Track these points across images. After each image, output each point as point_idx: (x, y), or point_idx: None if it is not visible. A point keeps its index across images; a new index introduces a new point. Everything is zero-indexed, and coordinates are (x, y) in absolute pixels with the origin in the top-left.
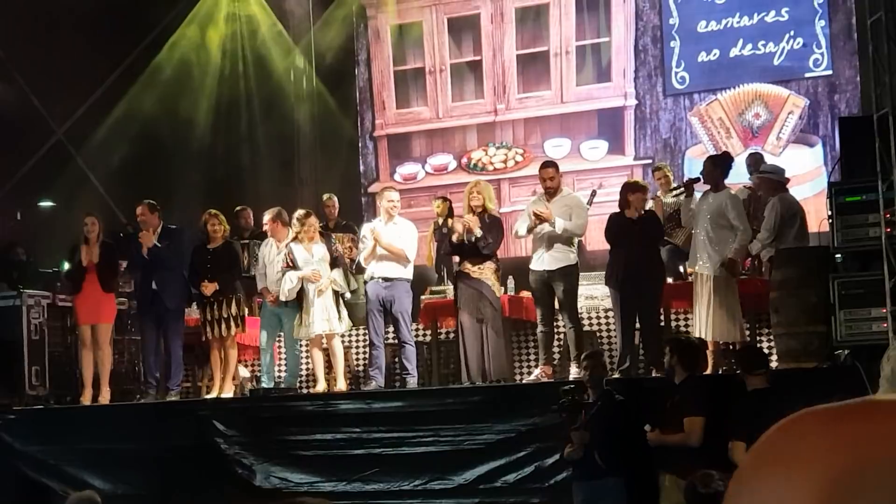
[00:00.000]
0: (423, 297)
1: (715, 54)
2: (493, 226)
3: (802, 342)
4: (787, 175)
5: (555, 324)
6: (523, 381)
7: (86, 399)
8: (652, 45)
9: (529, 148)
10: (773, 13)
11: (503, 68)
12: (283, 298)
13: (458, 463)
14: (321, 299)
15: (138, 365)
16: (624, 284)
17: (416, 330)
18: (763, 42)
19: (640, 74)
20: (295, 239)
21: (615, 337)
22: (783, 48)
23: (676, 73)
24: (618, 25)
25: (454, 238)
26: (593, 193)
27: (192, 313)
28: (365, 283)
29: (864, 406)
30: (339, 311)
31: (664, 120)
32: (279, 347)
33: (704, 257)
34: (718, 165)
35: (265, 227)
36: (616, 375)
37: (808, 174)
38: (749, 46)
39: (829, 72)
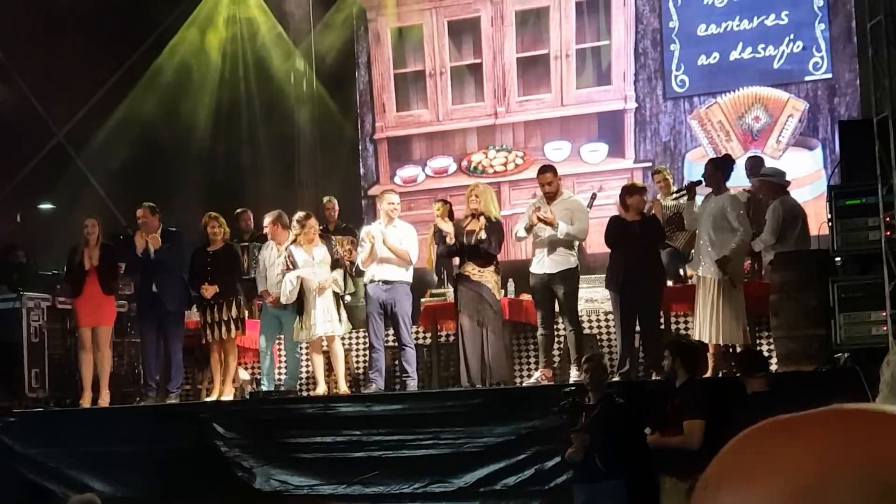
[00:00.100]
0: (423, 299)
1: (715, 57)
2: (494, 229)
3: (802, 345)
4: (787, 178)
5: (555, 327)
6: (523, 384)
7: (85, 402)
8: (652, 48)
9: (529, 151)
10: (772, 16)
11: (503, 71)
12: (283, 301)
13: (459, 466)
14: (322, 301)
15: (138, 367)
16: (624, 287)
17: (417, 333)
18: (763, 45)
19: (640, 77)
20: (295, 241)
21: (615, 340)
22: (783, 51)
23: (676, 77)
24: (618, 28)
25: (448, 241)
26: (593, 196)
27: (192, 316)
28: (365, 286)
29: (830, 415)
30: (339, 314)
31: (664, 123)
32: (279, 350)
33: (707, 261)
34: (720, 168)
35: (265, 230)
36: (616, 378)
37: (807, 177)
38: (749, 50)
39: (829, 75)
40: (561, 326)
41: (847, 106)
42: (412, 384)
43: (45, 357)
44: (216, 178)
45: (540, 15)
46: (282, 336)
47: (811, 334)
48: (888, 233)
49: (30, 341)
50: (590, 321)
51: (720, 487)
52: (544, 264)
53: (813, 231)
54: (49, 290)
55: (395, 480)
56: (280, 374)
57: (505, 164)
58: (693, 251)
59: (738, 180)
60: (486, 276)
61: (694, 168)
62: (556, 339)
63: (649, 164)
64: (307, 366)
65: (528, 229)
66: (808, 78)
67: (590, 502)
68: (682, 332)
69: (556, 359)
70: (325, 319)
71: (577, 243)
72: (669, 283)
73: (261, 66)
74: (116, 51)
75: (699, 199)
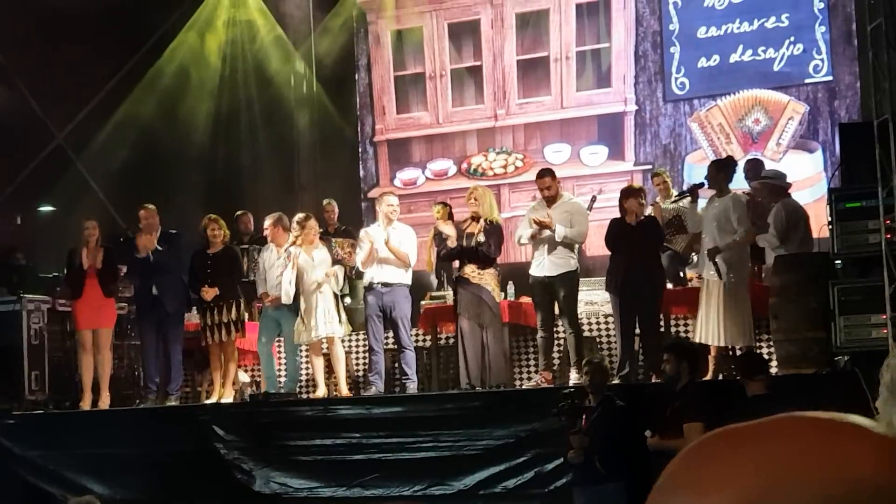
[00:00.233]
0: (422, 302)
1: (715, 60)
2: (493, 232)
3: (802, 348)
4: (787, 180)
5: (554, 329)
6: (523, 387)
7: (85, 404)
8: (652, 50)
9: (529, 153)
10: (773, 19)
11: (503, 74)
12: (284, 300)
13: (458, 468)
14: (322, 302)
15: (138, 370)
16: (624, 290)
17: (416, 335)
18: (763, 48)
19: (640, 80)
20: (295, 243)
21: (615, 342)
22: (783, 54)
23: (676, 79)
24: (618, 31)
25: (449, 243)
26: (593, 199)
27: (192, 318)
28: (365, 289)
29: (781, 424)
30: (339, 315)
31: (664, 125)
32: (279, 352)
33: (712, 263)
34: (722, 170)
35: (265, 233)
36: (616, 381)
37: (807, 180)
38: (749, 52)
39: (829, 78)
40: (561, 329)
41: (847, 108)
42: (412, 387)
43: (44, 359)
44: (216, 180)
45: (540, 17)
46: (281, 338)
47: (811, 337)
48: (888, 236)
49: (30, 344)
50: (589, 324)
51: (671, 496)
52: (544, 267)
53: (813, 234)
54: (49, 292)
55: (395, 483)
56: (280, 376)
57: (505, 167)
58: (693, 254)
59: (737, 183)
60: (486, 279)
61: (694, 171)
62: (556, 342)
63: (649, 166)
64: (307, 368)
65: (533, 237)
66: (808, 80)
67: None
68: (682, 334)
69: (556, 361)
70: (326, 321)
71: (577, 246)
72: (669, 285)
73: (260, 69)
74: (116, 53)
75: (702, 203)
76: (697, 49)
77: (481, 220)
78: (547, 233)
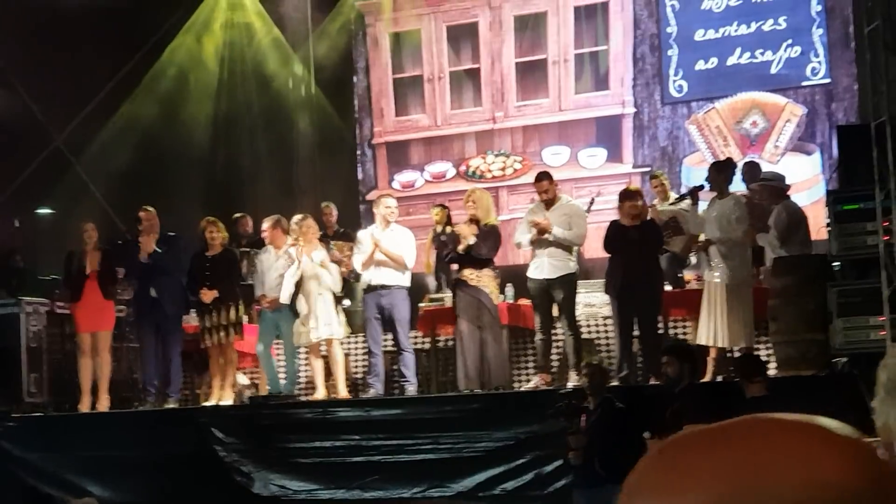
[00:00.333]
0: (421, 304)
1: (713, 62)
2: (490, 234)
3: (800, 350)
4: (786, 182)
5: (553, 332)
6: (522, 389)
7: (84, 406)
8: (650, 53)
9: (528, 156)
10: (770, 22)
11: (502, 76)
12: (283, 299)
13: (458, 470)
14: (321, 304)
15: (137, 372)
16: (622, 292)
17: (415, 337)
18: (761, 50)
19: (639, 82)
20: (294, 244)
21: (614, 344)
22: (781, 56)
23: (674, 82)
24: (616, 34)
25: (460, 249)
26: (592, 201)
27: (191, 320)
28: (363, 291)
29: (747, 426)
30: (338, 317)
31: (662, 128)
32: (278, 354)
33: (717, 266)
34: (722, 171)
35: (264, 235)
36: (615, 383)
37: (805, 182)
38: (747, 55)
39: (827, 80)
40: (559, 331)
41: (845, 111)
42: (411, 389)
43: (43, 362)
44: (214, 182)
45: (538, 20)
46: (280, 341)
47: (809, 339)
48: (886, 237)
49: (28, 346)
50: (588, 326)
51: (638, 498)
52: (543, 269)
53: (812, 236)
54: (48, 295)
55: (395, 485)
56: (279, 378)
57: (503, 169)
58: (691, 255)
59: (735, 186)
60: (485, 281)
61: (692, 173)
62: (555, 344)
63: (648, 168)
64: (306, 370)
65: (533, 242)
66: (805, 83)
67: None
68: (681, 336)
69: (555, 364)
70: (325, 322)
71: (575, 248)
72: (668, 287)
73: (259, 72)
74: (115, 56)
75: (703, 205)
76: (695, 52)
77: (474, 224)
78: (546, 236)
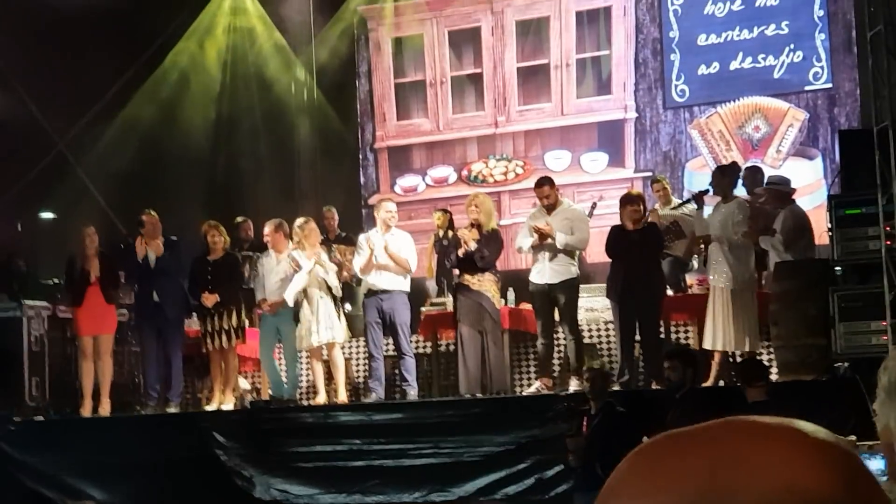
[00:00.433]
0: (423, 308)
1: (715, 67)
2: (491, 239)
3: (802, 355)
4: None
5: (555, 336)
6: (523, 393)
7: (86, 410)
8: (652, 57)
9: (530, 160)
10: (773, 26)
11: (504, 81)
12: (290, 301)
13: (459, 475)
14: (323, 307)
15: (138, 376)
16: (624, 296)
17: (417, 342)
18: (763, 55)
19: (641, 87)
20: (297, 247)
21: (615, 349)
22: (783, 61)
23: (676, 86)
24: (618, 38)
25: (460, 253)
26: (593, 206)
27: (192, 324)
28: (364, 295)
29: (720, 428)
30: (339, 320)
31: (664, 132)
32: (279, 358)
33: (722, 270)
34: (727, 175)
35: (266, 238)
36: (616, 387)
37: (807, 187)
38: (749, 59)
39: (829, 85)
40: (561, 335)
41: (847, 116)
42: (412, 393)
43: (45, 366)
44: (216, 186)
45: (540, 25)
46: (281, 345)
47: (811, 344)
48: (888, 242)
49: (30, 350)
50: (590, 330)
51: (613, 499)
52: (545, 273)
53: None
54: (49, 298)
55: (396, 489)
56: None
57: (505, 174)
58: (693, 259)
59: (737, 190)
60: (486, 286)
61: (694, 178)
62: (556, 349)
63: (649, 173)
64: (307, 374)
65: (535, 247)
66: (808, 88)
67: None
68: (683, 341)
69: (556, 368)
70: (326, 326)
71: (577, 252)
72: (670, 292)
73: (261, 76)
74: (117, 59)
75: (708, 210)
76: (697, 56)
77: (474, 229)
78: (548, 241)
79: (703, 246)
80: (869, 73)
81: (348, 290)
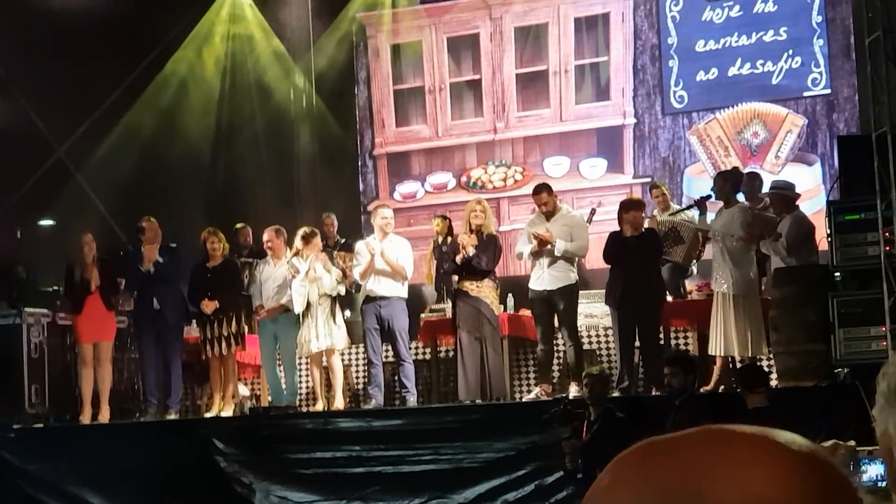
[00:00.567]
0: (422, 315)
1: (713, 73)
2: (490, 244)
3: (801, 361)
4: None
5: (554, 342)
6: (522, 400)
7: (85, 417)
8: (650, 64)
9: (529, 166)
10: (771, 32)
11: (502, 87)
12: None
13: (458, 481)
14: (322, 314)
15: (137, 383)
16: (623, 303)
17: (416, 348)
18: (762, 61)
19: (639, 93)
20: (297, 254)
21: (615, 355)
22: (782, 67)
23: (675, 92)
24: (616, 45)
25: (458, 259)
26: (592, 212)
27: (192, 331)
28: (362, 302)
29: (699, 436)
30: (339, 327)
31: (663, 138)
32: (278, 363)
33: (724, 275)
34: (729, 180)
35: (265, 245)
36: (616, 393)
37: (806, 193)
38: (748, 65)
39: (828, 91)
40: (560, 342)
41: (846, 121)
42: (411, 399)
43: (45, 373)
44: (215, 193)
45: (539, 31)
46: (279, 351)
47: (810, 350)
48: (887, 248)
49: (30, 357)
50: (589, 336)
51: None
52: (544, 280)
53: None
54: (49, 306)
55: (395, 496)
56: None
57: (504, 180)
58: (693, 264)
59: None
60: (485, 292)
61: (693, 183)
62: (556, 355)
63: (648, 179)
64: (307, 381)
65: (534, 254)
66: (806, 93)
67: None
68: (682, 347)
69: (556, 374)
70: (325, 333)
71: (576, 259)
72: (669, 298)
73: (260, 83)
74: (117, 67)
75: (711, 215)
76: (696, 62)
77: (473, 235)
78: (547, 248)
79: (701, 245)
80: (867, 78)
81: (347, 297)
